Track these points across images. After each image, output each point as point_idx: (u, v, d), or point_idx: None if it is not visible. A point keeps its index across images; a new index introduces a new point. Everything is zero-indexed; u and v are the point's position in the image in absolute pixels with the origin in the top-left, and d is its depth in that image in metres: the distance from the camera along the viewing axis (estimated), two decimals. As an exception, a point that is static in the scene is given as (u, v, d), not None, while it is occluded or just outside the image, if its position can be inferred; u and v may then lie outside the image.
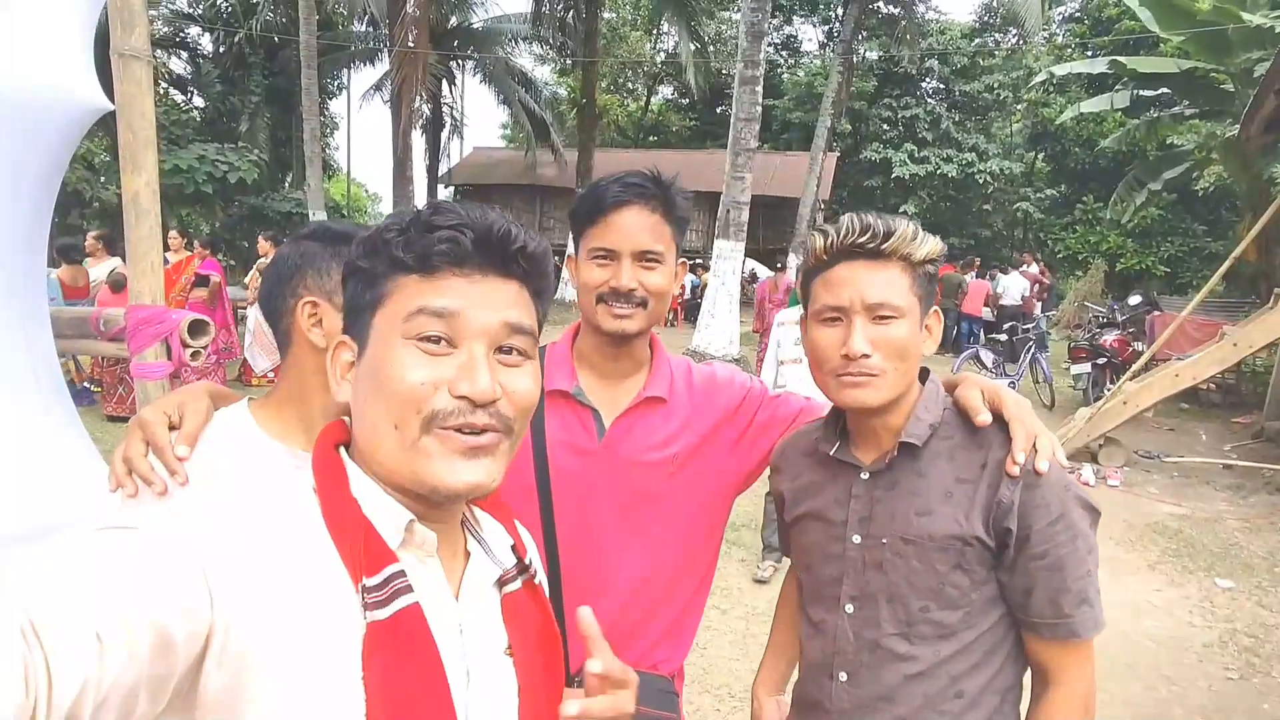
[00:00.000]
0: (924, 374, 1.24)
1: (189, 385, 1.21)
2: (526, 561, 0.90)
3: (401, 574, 0.73)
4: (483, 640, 0.82)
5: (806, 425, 1.37)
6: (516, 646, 0.84)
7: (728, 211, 9.88)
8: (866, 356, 1.13)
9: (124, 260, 6.95)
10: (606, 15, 23.64)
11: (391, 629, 0.71)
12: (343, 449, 0.81)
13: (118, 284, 7.20)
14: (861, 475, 1.21)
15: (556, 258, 19.78)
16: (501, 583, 0.86)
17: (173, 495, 1.10)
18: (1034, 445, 1.12)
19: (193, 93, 21.42)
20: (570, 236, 1.43)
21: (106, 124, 1.66)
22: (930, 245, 1.16)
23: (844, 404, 1.19)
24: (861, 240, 1.14)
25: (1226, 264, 6.89)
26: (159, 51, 19.45)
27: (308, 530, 0.73)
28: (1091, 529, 1.14)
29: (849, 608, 1.21)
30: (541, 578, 0.93)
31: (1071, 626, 1.11)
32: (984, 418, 1.15)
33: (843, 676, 1.21)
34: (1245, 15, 10.95)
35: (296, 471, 1.11)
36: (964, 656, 1.16)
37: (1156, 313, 11.07)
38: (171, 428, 1.14)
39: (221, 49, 20.61)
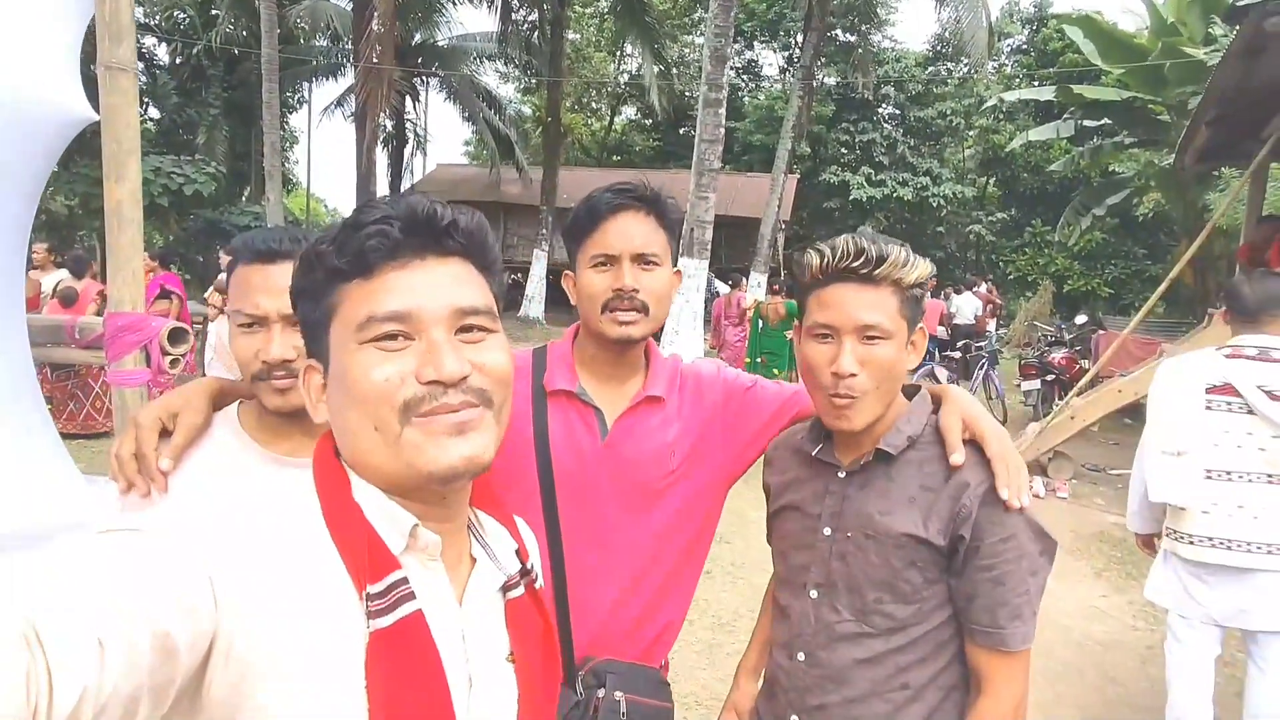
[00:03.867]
0: (914, 390, 1.32)
1: (193, 383, 1.24)
2: (529, 566, 0.90)
3: (404, 581, 0.73)
4: (485, 646, 0.82)
5: (797, 425, 1.45)
6: (518, 653, 0.84)
7: (691, 230, 10.03)
8: (854, 375, 1.19)
9: (71, 272, 6.73)
10: (571, 36, 23.86)
11: (394, 637, 0.71)
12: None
13: (68, 297, 7.02)
14: (839, 474, 1.30)
15: (519, 274, 19.76)
16: (505, 588, 0.86)
17: (156, 502, 1.13)
18: (1010, 477, 1.19)
19: (148, 104, 20.98)
20: (536, 256, 1.47)
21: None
22: (920, 269, 1.21)
23: (829, 426, 1.28)
24: (855, 264, 1.19)
25: (1164, 286, 7.22)
26: (113, 61, 18.98)
27: (310, 536, 0.72)
28: (1042, 555, 1.20)
29: (813, 593, 1.30)
30: (542, 582, 0.93)
31: (1003, 637, 1.19)
32: (957, 459, 1.20)
33: (800, 656, 1.30)
34: (1184, 49, 11.57)
35: (277, 474, 1.13)
36: (912, 649, 1.23)
37: (1101, 332, 11.52)
38: (166, 432, 1.17)
39: (178, 60, 20.29)
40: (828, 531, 1.29)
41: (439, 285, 0.75)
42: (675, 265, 1.42)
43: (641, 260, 1.34)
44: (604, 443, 1.39)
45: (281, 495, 0.76)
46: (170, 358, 1.71)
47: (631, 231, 1.34)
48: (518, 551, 0.90)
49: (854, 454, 1.30)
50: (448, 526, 0.80)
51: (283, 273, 1.14)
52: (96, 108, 1.61)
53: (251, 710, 0.65)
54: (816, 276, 1.24)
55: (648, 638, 1.43)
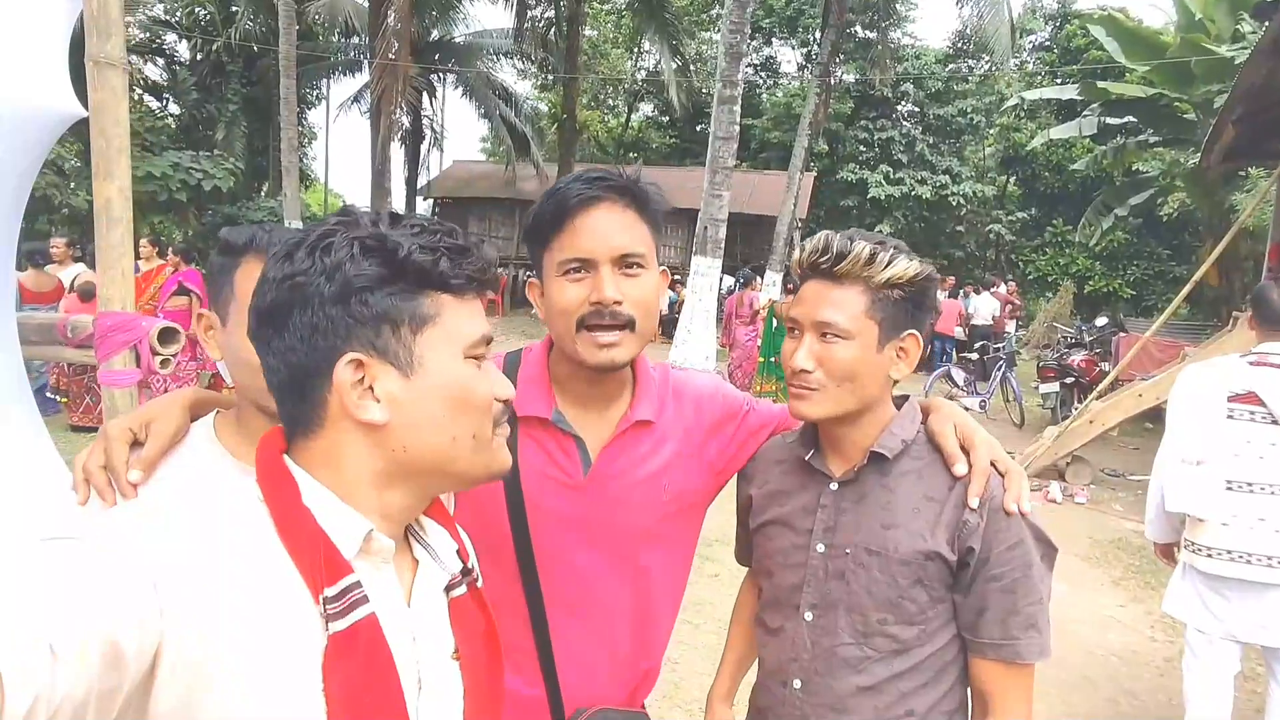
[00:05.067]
0: (902, 401, 1.27)
1: (170, 394, 1.20)
2: (470, 566, 0.92)
3: (358, 584, 0.74)
4: (432, 646, 0.83)
5: (782, 434, 1.36)
6: (463, 650, 0.86)
7: (705, 229, 9.97)
8: (806, 371, 1.17)
9: (90, 266, 6.80)
10: (588, 32, 23.83)
11: (350, 639, 0.72)
12: (287, 457, 0.78)
13: (87, 292, 7.07)
14: (830, 486, 1.23)
15: (529, 271, 19.68)
16: (449, 588, 0.88)
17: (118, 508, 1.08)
18: (1009, 483, 1.16)
19: (168, 100, 21.19)
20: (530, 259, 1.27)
21: (77, 129, 1.66)
22: (896, 269, 1.14)
23: (790, 413, 1.25)
24: (819, 260, 1.17)
25: (1188, 287, 7.09)
26: (134, 58, 19.23)
27: (259, 542, 0.72)
28: (1044, 561, 1.17)
29: (808, 615, 1.22)
30: (482, 582, 0.95)
31: (1016, 649, 1.14)
32: (960, 469, 1.16)
33: (796, 684, 1.23)
34: (1210, 46, 11.35)
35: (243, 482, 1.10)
36: (916, 674, 1.18)
37: (1122, 334, 11.33)
38: (137, 443, 1.12)
39: (199, 56, 20.46)
40: (821, 548, 1.22)
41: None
42: (660, 263, 1.22)
43: (624, 263, 1.14)
44: (586, 477, 1.22)
45: (226, 501, 0.76)
46: (160, 358, 1.68)
47: (610, 229, 1.13)
48: (458, 551, 0.91)
49: (845, 464, 1.24)
50: (398, 531, 0.83)
51: None
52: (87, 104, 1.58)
53: (206, 718, 0.65)
54: (797, 273, 1.23)
55: (634, 681, 1.34)
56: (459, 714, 0.84)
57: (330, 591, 0.71)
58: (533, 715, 1.25)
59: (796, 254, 1.23)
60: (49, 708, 0.54)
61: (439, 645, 0.84)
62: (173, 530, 0.70)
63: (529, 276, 1.30)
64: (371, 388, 0.76)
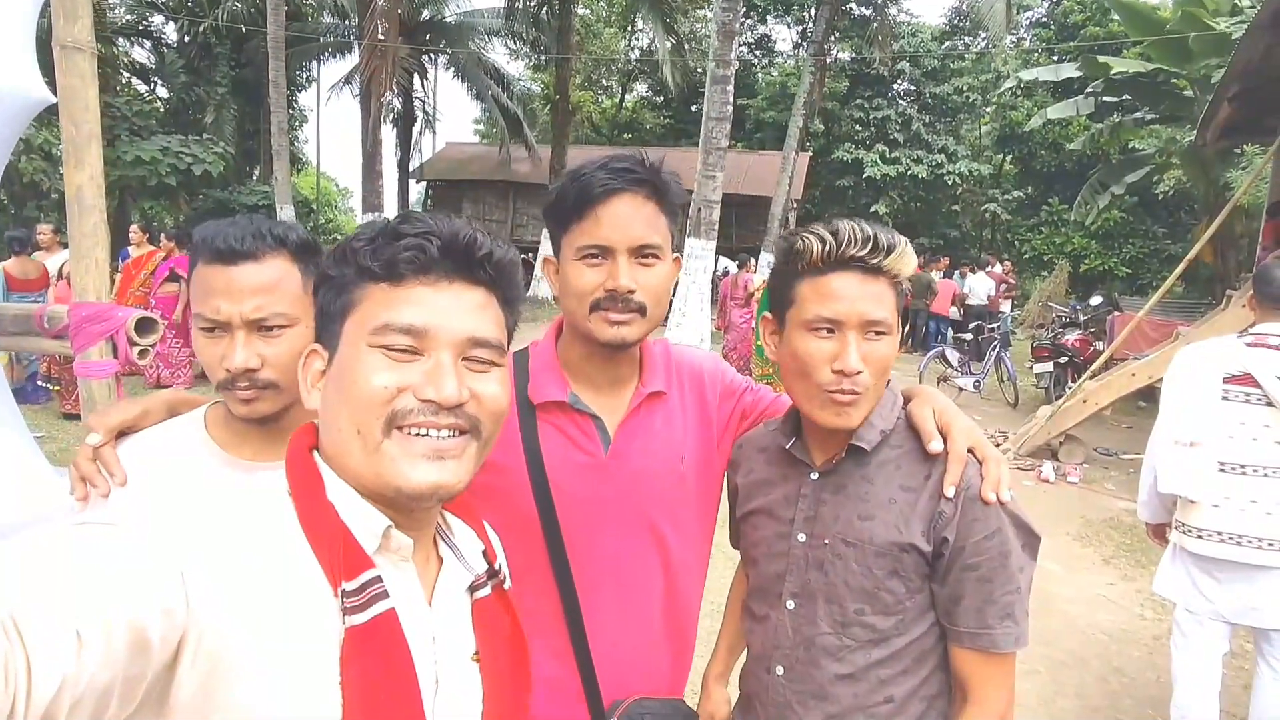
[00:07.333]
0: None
1: (154, 394, 1.23)
2: (496, 567, 0.91)
3: (378, 579, 0.74)
4: (452, 647, 0.83)
5: (765, 422, 1.36)
6: (484, 653, 0.85)
7: (699, 210, 9.92)
8: (859, 373, 1.12)
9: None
10: (581, 11, 23.54)
11: (368, 634, 0.72)
12: (316, 453, 0.80)
13: (75, 278, 7.02)
14: (811, 475, 1.23)
15: (530, 254, 19.65)
16: (473, 588, 0.87)
17: (116, 496, 1.11)
18: (987, 471, 1.14)
19: (156, 83, 20.92)
20: (546, 235, 1.34)
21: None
22: (914, 261, 1.16)
23: (824, 423, 1.16)
24: (863, 253, 1.10)
25: (1182, 266, 7.06)
26: (121, 40, 18.95)
27: (283, 535, 0.73)
28: (1026, 550, 1.15)
29: (790, 604, 1.23)
30: (510, 583, 0.94)
31: (993, 638, 1.14)
32: (935, 446, 1.14)
33: (779, 670, 1.24)
34: (1208, 21, 11.25)
35: (237, 478, 1.10)
36: (894, 661, 1.18)
37: (1117, 313, 11.31)
38: (121, 435, 1.16)
39: (186, 38, 20.17)
40: (802, 538, 1.22)
41: (460, 310, 0.77)
42: (675, 251, 1.25)
43: (640, 254, 1.17)
44: (608, 454, 1.24)
45: (254, 493, 0.77)
46: (138, 348, 1.66)
47: (629, 221, 1.16)
48: (484, 552, 0.91)
49: (826, 454, 1.23)
50: (418, 531, 0.82)
51: (244, 274, 1.08)
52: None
53: (225, 707, 0.65)
54: (816, 264, 1.13)
55: (669, 665, 1.34)
56: (477, 717, 0.83)
57: (349, 585, 0.71)
58: (568, 701, 1.25)
59: (815, 246, 1.12)
60: (74, 693, 0.54)
61: (459, 646, 0.83)
62: (201, 520, 0.70)
63: (523, 257, 1.30)
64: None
